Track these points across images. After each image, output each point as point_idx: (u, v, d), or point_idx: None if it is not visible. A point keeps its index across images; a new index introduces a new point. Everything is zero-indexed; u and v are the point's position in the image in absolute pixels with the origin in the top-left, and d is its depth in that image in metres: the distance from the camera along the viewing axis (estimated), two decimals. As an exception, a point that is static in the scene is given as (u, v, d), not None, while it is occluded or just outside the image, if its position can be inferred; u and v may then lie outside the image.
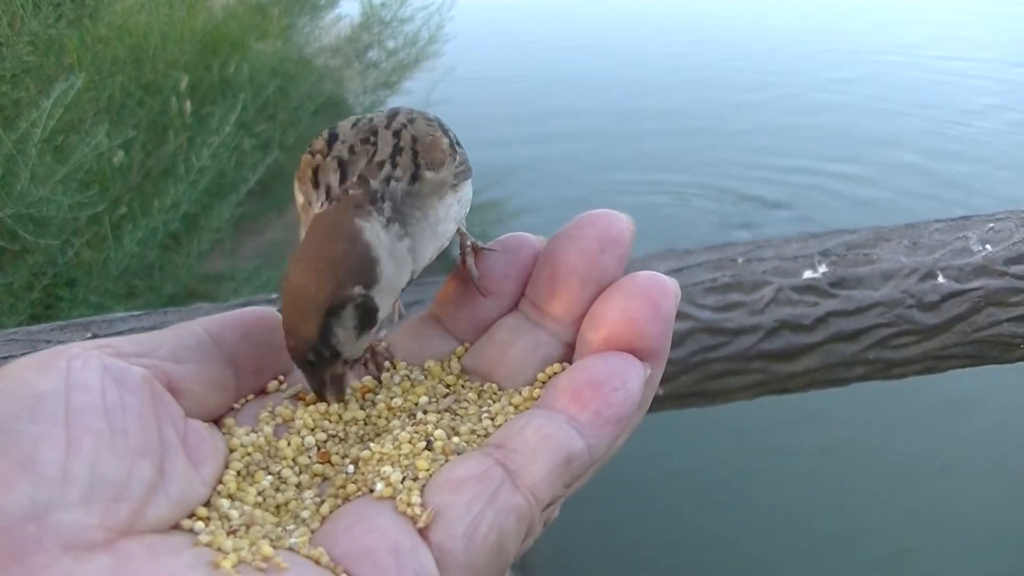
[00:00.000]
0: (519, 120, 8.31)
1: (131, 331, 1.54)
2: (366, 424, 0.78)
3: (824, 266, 1.77)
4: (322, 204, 0.80)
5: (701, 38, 11.48)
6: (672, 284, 0.73)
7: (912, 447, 4.32)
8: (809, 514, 3.96)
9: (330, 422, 0.78)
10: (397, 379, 0.81)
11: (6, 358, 1.48)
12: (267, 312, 0.82)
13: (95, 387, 0.65)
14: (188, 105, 4.57)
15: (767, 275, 1.75)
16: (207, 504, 0.68)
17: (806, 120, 8.68)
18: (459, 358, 0.82)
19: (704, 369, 1.73)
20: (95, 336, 1.52)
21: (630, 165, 7.26)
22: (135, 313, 1.65)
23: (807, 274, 1.76)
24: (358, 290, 0.76)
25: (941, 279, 1.76)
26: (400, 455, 0.71)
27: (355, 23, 6.71)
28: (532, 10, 12.30)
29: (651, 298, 0.72)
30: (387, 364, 0.83)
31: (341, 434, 0.77)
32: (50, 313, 3.66)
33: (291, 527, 0.67)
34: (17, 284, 3.46)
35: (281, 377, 0.81)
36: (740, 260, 1.77)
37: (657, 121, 8.43)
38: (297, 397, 0.80)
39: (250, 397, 0.79)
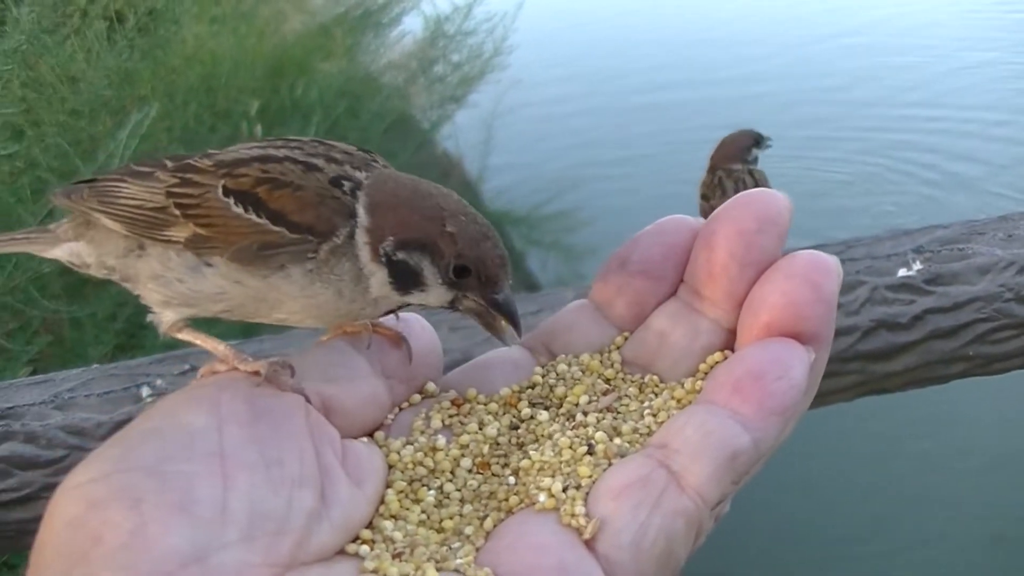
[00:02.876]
0: (587, 129, 8.27)
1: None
2: (524, 429, 0.76)
3: (918, 263, 1.74)
4: None
5: (771, 36, 11.31)
6: (834, 262, 0.70)
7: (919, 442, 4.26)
8: (813, 514, 3.91)
9: (487, 429, 0.76)
10: (553, 379, 0.79)
11: (108, 392, 1.50)
12: (414, 318, 0.83)
13: (247, 420, 0.65)
14: (259, 129, 4.63)
15: (861, 275, 1.72)
16: (370, 525, 0.67)
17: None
18: (618, 348, 0.80)
19: (801, 373, 1.70)
20: (193, 368, 1.53)
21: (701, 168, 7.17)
22: (231, 343, 1.65)
23: (901, 272, 1.74)
24: None
25: (1038, 271, 1.74)
26: (561, 462, 0.69)
27: (419, 38, 6.75)
28: (597, 18, 12.25)
29: (812, 279, 0.68)
30: (543, 359, 0.82)
31: (499, 440, 0.75)
32: (134, 342, 3.71)
33: (456, 545, 0.66)
34: (101, 314, 3.52)
35: (432, 384, 0.81)
36: (832, 261, 1.74)
37: (730, 123, 8.32)
38: (453, 403, 0.79)
39: (404, 405, 0.79)
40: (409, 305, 0.83)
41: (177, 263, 0.82)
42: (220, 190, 0.81)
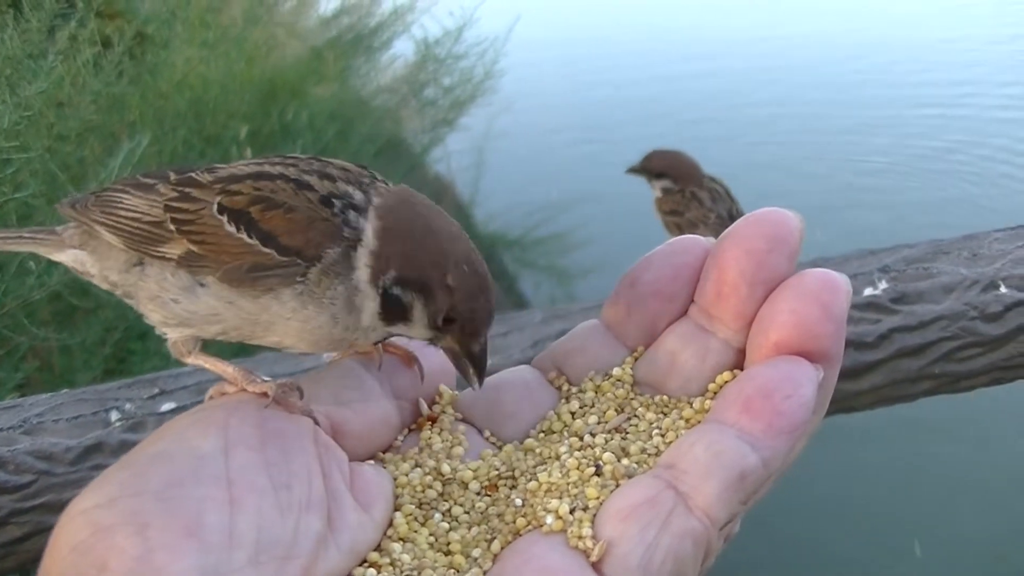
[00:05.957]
0: (578, 152, 8.27)
1: (197, 384, 1.55)
2: (534, 449, 0.76)
3: (884, 282, 1.76)
4: None
5: (772, 63, 11.31)
6: (843, 281, 0.70)
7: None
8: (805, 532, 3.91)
9: (496, 449, 0.77)
10: (563, 399, 0.80)
11: (77, 417, 1.50)
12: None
13: (256, 443, 0.65)
14: (248, 153, 4.63)
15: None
16: (379, 548, 0.67)
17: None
18: (629, 368, 0.80)
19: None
20: (163, 392, 1.54)
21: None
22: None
23: (868, 291, 1.76)
24: None
25: (1003, 289, 1.72)
26: (568, 483, 0.70)
27: (410, 62, 6.76)
28: (589, 42, 12.26)
29: (821, 298, 0.69)
30: (555, 379, 0.82)
31: (508, 462, 0.75)
32: (123, 367, 3.71)
33: (464, 567, 0.67)
34: (90, 340, 3.52)
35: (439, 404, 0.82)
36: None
37: (724, 145, 8.32)
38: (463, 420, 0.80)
39: (412, 427, 0.79)
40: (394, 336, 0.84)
41: (172, 283, 0.82)
42: (215, 207, 0.81)
